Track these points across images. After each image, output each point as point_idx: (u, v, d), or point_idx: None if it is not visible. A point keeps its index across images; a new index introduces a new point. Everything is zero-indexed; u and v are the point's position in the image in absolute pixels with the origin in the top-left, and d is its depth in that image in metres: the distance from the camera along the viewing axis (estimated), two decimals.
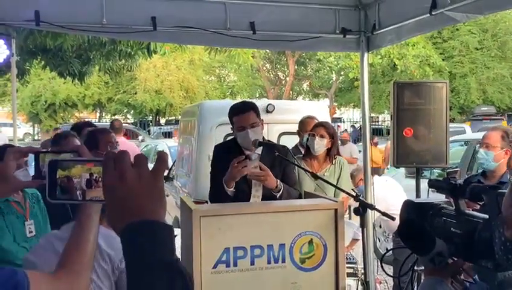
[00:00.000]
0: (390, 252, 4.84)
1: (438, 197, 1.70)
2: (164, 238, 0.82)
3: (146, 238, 0.81)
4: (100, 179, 0.96)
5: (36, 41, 7.14)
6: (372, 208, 2.67)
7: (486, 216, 1.36)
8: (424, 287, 1.47)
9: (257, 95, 27.07)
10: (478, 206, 1.56)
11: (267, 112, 5.69)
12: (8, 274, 1.07)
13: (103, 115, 32.91)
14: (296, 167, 3.43)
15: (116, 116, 31.21)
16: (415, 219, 1.55)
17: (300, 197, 3.27)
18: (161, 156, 0.89)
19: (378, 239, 6.80)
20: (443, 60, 22.28)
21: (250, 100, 4.30)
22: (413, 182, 5.05)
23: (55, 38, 6.95)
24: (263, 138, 3.32)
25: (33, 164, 1.42)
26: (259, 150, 3.25)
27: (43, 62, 9.23)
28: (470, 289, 1.57)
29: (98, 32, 4.10)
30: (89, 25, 3.87)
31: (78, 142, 3.76)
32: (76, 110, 30.07)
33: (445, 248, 1.47)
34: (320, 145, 4.10)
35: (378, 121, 27.68)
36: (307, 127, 4.50)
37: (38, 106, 27.28)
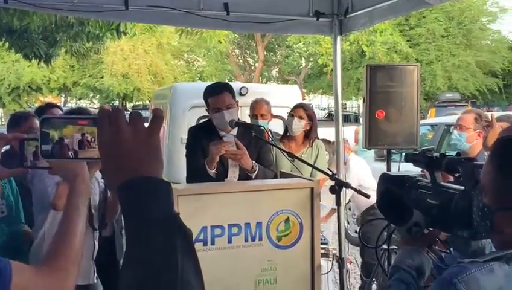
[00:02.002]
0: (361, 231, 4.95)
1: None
2: (162, 193, 0.81)
3: (144, 194, 0.79)
4: (93, 140, 0.95)
5: (1, 21, 6.90)
6: (348, 186, 2.72)
7: (462, 187, 1.42)
8: (401, 255, 1.52)
9: (226, 81, 26.91)
10: (452, 179, 1.62)
11: (240, 94, 5.69)
12: None
13: (68, 99, 32.19)
14: (273, 149, 3.45)
15: (82, 101, 30.63)
16: (393, 189, 1.60)
17: (276, 178, 3.29)
18: (157, 113, 0.86)
19: (347, 221, 6.91)
20: (410, 47, 22.59)
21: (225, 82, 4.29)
22: (381, 165, 5.14)
23: (22, 18, 6.74)
24: (238, 119, 3.32)
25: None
26: (235, 131, 3.25)
27: (7, 44, 8.95)
28: (445, 259, 1.64)
29: (69, 11, 4.00)
30: (60, 3, 3.78)
31: (38, 123, 3.69)
32: (41, 94, 29.29)
33: (422, 218, 1.52)
34: (298, 126, 4.12)
35: (346, 108, 27.93)
36: (253, 110, 4.38)
37: (2, 90, 26.44)
